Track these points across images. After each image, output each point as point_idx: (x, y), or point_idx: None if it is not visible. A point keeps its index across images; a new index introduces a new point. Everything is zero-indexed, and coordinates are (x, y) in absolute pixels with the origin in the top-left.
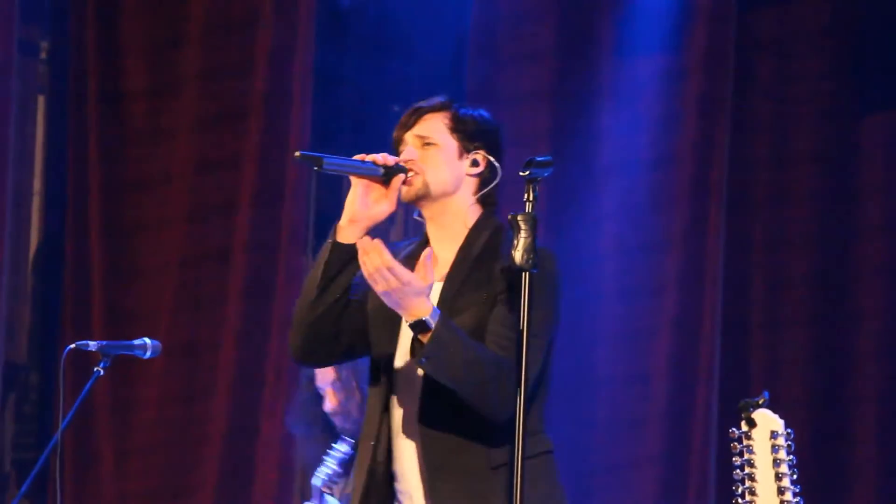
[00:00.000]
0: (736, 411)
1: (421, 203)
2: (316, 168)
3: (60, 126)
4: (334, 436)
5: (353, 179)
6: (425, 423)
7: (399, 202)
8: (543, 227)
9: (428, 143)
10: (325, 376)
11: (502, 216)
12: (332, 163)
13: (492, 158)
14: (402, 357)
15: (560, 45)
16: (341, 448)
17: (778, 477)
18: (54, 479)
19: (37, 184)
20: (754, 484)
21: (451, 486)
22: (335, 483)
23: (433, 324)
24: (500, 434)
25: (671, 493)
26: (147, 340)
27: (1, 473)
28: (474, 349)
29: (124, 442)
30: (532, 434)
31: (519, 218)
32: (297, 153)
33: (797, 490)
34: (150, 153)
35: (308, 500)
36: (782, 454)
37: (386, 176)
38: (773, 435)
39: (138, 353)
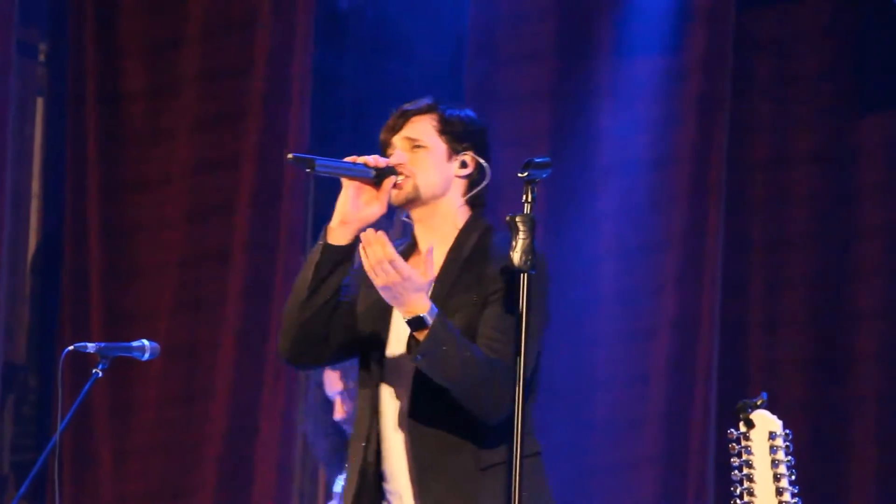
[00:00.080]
0: (734, 412)
1: (411, 206)
2: (308, 170)
3: (59, 127)
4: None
5: (345, 181)
6: (415, 424)
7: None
8: (542, 227)
9: (417, 146)
10: (332, 386)
11: (495, 217)
12: (324, 164)
13: (480, 159)
14: (392, 353)
15: (559, 46)
16: None
17: (776, 478)
18: (53, 480)
19: (35, 185)
20: (752, 485)
21: (440, 487)
22: None
23: (430, 321)
24: (489, 435)
25: (670, 493)
26: (146, 342)
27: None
28: (469, 349)
29: (123, 443)
30: (521, 435)
31: (517, 219)
32: (290, 155)
33: (795, 491)
34: (148, 154)
35: (330, 502)
36: (780, 455)
37: (377, 178)
38: (772, 436)
39: (137, 354)
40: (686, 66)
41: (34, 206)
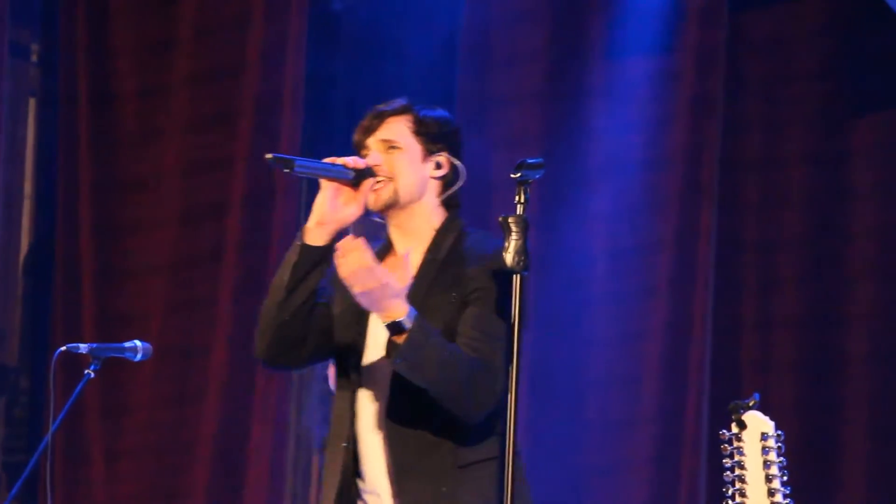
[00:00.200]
0: (726, 413)
1: (389, 209)
2: (287, 170)
3: (51, 128)
4: None
5: (323, 182)
6: (393, 424)
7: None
8: (535, 228)
9: (393, 147)
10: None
11: (488, 218)
12: (303, 165)
13: (455, 160)
14: (369, 359)
15: (551, 47)
16: None
17: (768, 478)
18: (45, 481)
19: (27, 186)
20: (744, 485)
21: (419, 486)
22: None
23: (409, 325)
24: (468, 433)
25: (663, 493)
26: (138, 343)
27: None
28: (449, 350)
29: (115, 444)
30: (499, 435)
31: (510, 220)
32: (268, 155)
33: (787, 491)
34: (141, 155)
35: None
36: (772, 456)
37: (356, 179)
38: (764, 437)
39: (129, 355)
40: (679, 66)
41: (26, 206)
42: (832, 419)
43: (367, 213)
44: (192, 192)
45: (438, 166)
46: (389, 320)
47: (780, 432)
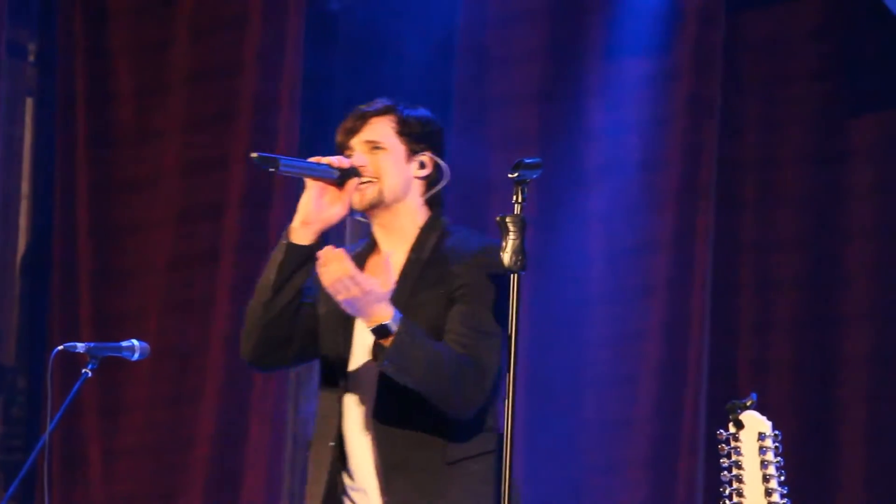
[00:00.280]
0: (724, 413)
1: (374, 209)
2: (272, 169)
3: (48, 128)
4: None
5: (308, 181)
6: (381, 422)
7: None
8: (533, 228)
9: (377, 148)
10: None
11: (485, 218)
12: (288, 164)
13: (438, 160)
14: (356, 359)
15: (549, 47)
16: None
17: (765, 478)
18: (42, 480)
19: (25, 186)
20: (742, 485)
21: (407, 483)
22: None
23: (395, 328)
24: (456, 430)
25: (660, 493)
26: (135, 342)
27: None
28: (436, 350)
29: (112, 444)
30: (487, 431)
31: (507, 220)
32: (253, 154)
33: (784, 491)
34: (138, 155)
35: None
36: (770, 456)
37: (341, 179)
38: (761, 436)
39: (126, 354)
40: (676, 67)
41: (23, 206)
42: (830, 419)
43: (352, 213)
44: (190, 192)
45: (422, 166)
46: (375, 325)
47: (777, 432)
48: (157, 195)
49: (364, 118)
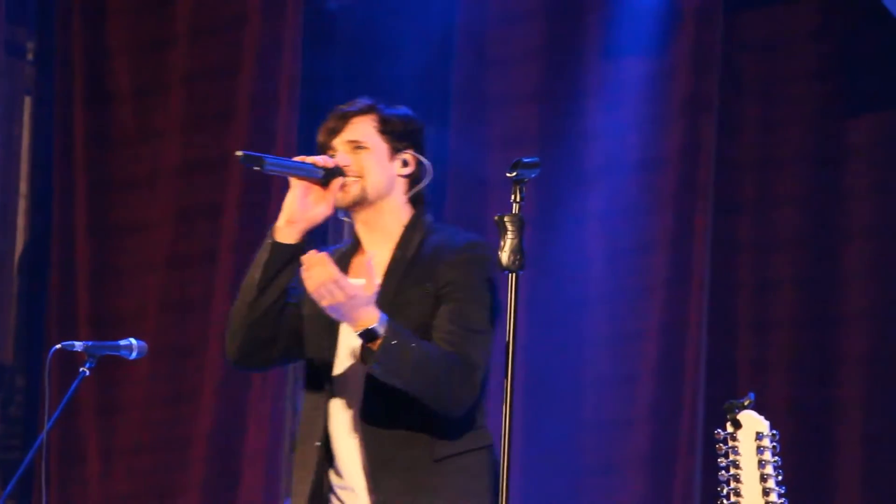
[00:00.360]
0: (721, 412)
1: (358, 208)
2: (257, 168)
3: (47, 127)
4: None
5: (293, 181)
6: (368, 422)
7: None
8: (531, 228)
9: (359, 147)
10: None
11: (484, 218)
12: (273, 163)
13: (421, 157)
14: (341, 360)
15: (547, 47)
16: None
17: (763, 478)
18: (40, 479)
19: (23, 185)
20: (739, 485)
21: (395, 480)
22: None
23: (382, 331)
24: (444, 427)
25: (657, 493)
26: (133, 341)
27: None
28: (424, 350)
29: (110, 442)
30: (476, 428)
31: (506, 219)
32: (239, 153)
33: (782, 491)
34: (136, 154)
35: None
36: (768, 455)
37: (325, 178)
38: (759, 436)
39: (124, 353)
40: (674, 66)
41: (21, 205)
42: (827, 419)
43: (336, 213)
44: (188, 191)
45: (405, 164)
46: (361, 329)
47: (775, 432)
48: (156, 194)
49: (345, 118)
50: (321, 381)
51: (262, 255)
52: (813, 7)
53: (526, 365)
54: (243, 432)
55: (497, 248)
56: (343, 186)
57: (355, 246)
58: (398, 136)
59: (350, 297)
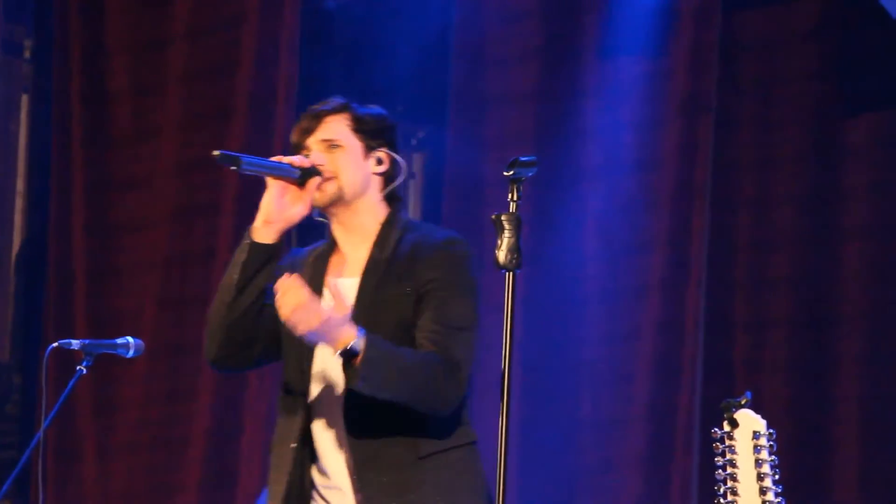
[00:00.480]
0: (718, 411)
1: (334, 206)
2: (234, 168)
3: (44, 125)
4: None
5: (269, 181)
6: (352, 421)
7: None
8: (528, 228)
9: (334, 146)
10: None
11: (481, 217)
12: (249, 163)
13: (395, 155)
14: (319, 360)
15: (544, 47)
16: None
17: (760, 477)
18: (36, 477)
19: (20, 183)
20: (736, 484)
21: (381, 479)
22: None
23: (361, 347)
24: (427, 424)
25: (654, 492)
26: (130, 339)
27: None
28: (405, 357)
29: (107, 441)
30: (460, 424)
31: (503, 218)
32: (215, 152)
33: (779, 490)
34: (134, 153)
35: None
36: (764, 454)
37: (302, 178)
38: (756, 435)
39: (121, 352)
40: (672, 66)
41: (19, 204)
42: (824, 418)
43: (312, 213)
44: (186, 190)
45: (379, 162)
46: (340, 348)
47: (772, 431)
48: (153, 193)
49: (319, 117)
50: (299, 380)
51: (239, 256)
52: (811, 7)
53: (523, 364)
54: (240, 431)
55: (494, 245)
56: (319, 186)
57: (332, 245)
58: (372, 134)
59: (324, 321)
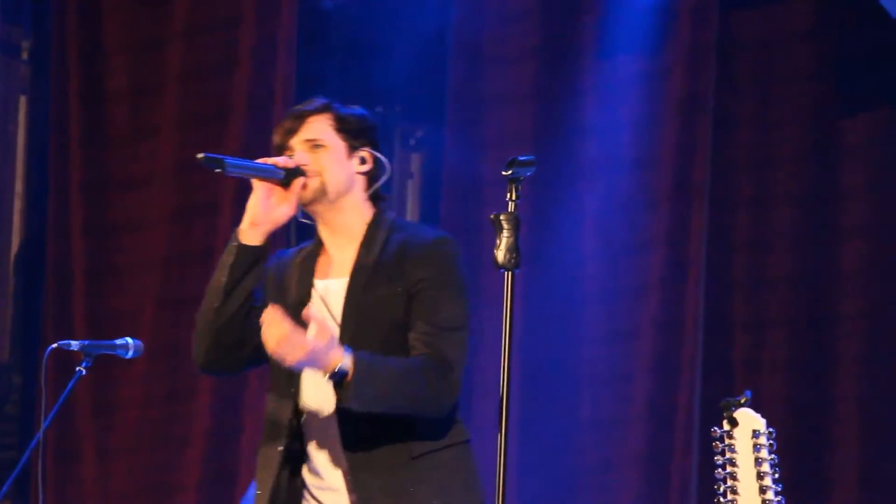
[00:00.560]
0: (718, 410)
1: (319, 205)
2: (219, 170)
3: (42, 126)
4: None
5: (255, 182)
6: (345, 423)
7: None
8: (527, 227)
9: (317, 145)
10: None
11: (480, 217)
12: (234, 165)
13: (378, 154)
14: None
15: (542, 46)
16: None
17: (759, 476)
18: (36, 478)
19: (18, 184)
20: (736, 483)
21: (375, 480)
22: None
23: (349, 367)
24: (419, 425)
25: (653, 491)
26: (129, 340)
27: None
28: (395, 369)
29: (107, 441)
30: (452, 423)
31: (501, 217)
32: (200, 155)
33: (778, 489)
34: (132, 153)
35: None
36: (764, 453)
37: (286, 179)
38: (755, 434)
39: (121, 352)
40: (670, 66)
41: (17, 205)
42: (823, 418)
43: (297, 215)
44: (184, 190)
45: (363, 161)
46: (330, 371)
47: (771, 430)
48: (152, 193)
49: (302, 117)
50: (287, 383)
51: (227, 259)
52: (808, 6)
53: (522, 363)
54: (240, 431)
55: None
56: (304, 186)
57: (318, 246)
58: (354, 133)
59: (309, 351)
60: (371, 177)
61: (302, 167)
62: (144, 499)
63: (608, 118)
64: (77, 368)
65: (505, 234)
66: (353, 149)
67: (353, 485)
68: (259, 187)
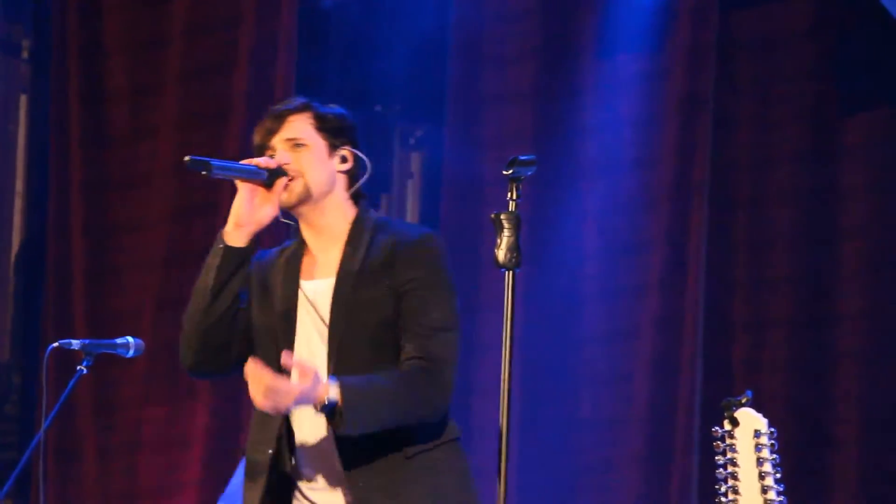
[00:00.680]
0: (719, 410)
1: (302, 205)
2: (204, 173)
3: (43, 125)
4: None
5: (239, 184)
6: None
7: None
8: (527, 227)
9: (298, 145)
10: None
11: (480, 216)
12: (219, 167)
13: (359, 153)
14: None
15: (542, 45)
16: None
17: (761, 476)
18: (37, 478)
19: (19, 183)
20: (737, 483)
21: (369, 479)
22: None
23: (338, 397)
24: (414, 426)
25: (654, 491)
26: (130, 339)
27: None
28: (383, 386)
29: (107, 441)
30: (443, 422)
31: (502, 217)
32: (187, 158)
33: (780, 489)
34: (132, 152)
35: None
36: (765, 453)
37: (269, 179)
38: (757, 434)
39: (121, 351)
40: (670, 65)
41: (17, 204)
42: (824, 417)
43: (280, 215)
44: (184, 189)
45: (344, 160)
46: (320, 405)
47: (773, 429)
48: (152, 193)
49: (282, 117)
50: None
51: (213, 260)
52: (808, 6)
53: (522, 362)
54: (240, 431)
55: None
56: (286, 186)
57: (301, 247)
58: (334, 132)
59: (295, 396)
60: (352, 176)
61: (284, 167)
62: (144, 498)
63: (608, 118)
64: (78, 368)
65: (506, 233)
66: (333, 147)
67: (349, 485)
68: (243, 188)
